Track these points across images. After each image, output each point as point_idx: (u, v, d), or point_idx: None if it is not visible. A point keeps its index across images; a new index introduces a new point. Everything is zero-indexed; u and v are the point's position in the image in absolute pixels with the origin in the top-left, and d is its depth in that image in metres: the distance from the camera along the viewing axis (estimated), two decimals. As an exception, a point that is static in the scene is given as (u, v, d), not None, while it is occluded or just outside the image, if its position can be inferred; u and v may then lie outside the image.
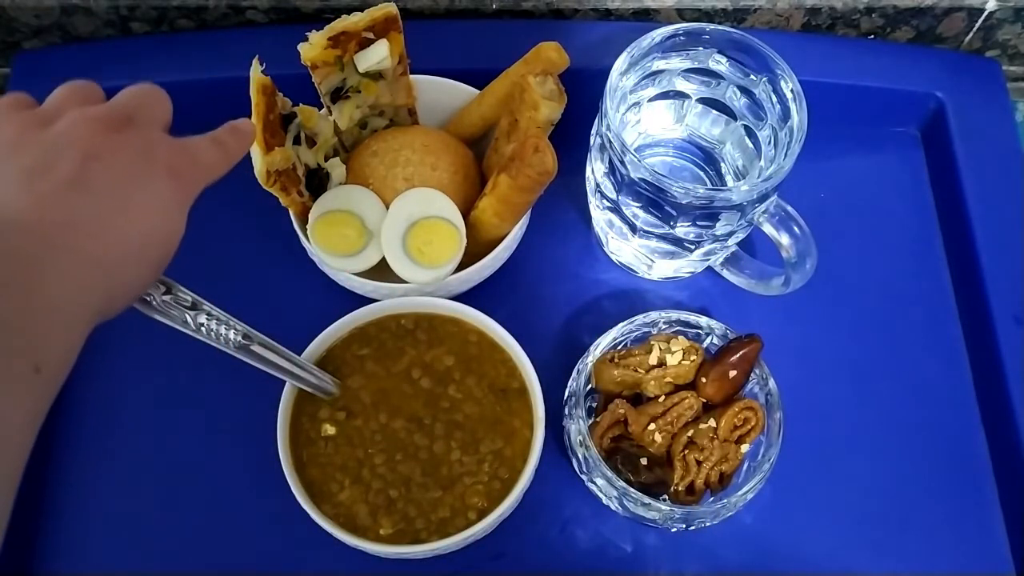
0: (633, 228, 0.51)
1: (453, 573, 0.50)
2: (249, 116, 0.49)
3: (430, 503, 0.47)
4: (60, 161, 0.29)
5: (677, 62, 0.51)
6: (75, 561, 0.50)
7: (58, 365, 0.27)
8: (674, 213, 0.47)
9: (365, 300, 0.51)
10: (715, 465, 0.48)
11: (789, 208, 0.48)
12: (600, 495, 0.50)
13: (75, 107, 0.32)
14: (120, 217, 0.29)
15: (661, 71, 0.51)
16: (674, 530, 0.50)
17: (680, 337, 0.50)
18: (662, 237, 0.50)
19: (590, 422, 0.50)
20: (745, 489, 0.47)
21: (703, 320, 0.51)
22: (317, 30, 0.48)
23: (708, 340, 0.52)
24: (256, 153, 0.47)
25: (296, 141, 0.50)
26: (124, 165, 0.30)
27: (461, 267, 0.51)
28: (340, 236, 0.51)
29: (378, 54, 0.49)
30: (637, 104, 0.52)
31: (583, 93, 0.51)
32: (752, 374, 0.50)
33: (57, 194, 0.28)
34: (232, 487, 0.52)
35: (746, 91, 0.50)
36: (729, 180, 0.54)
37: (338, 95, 0.52)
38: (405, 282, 0.51)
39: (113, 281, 0.29)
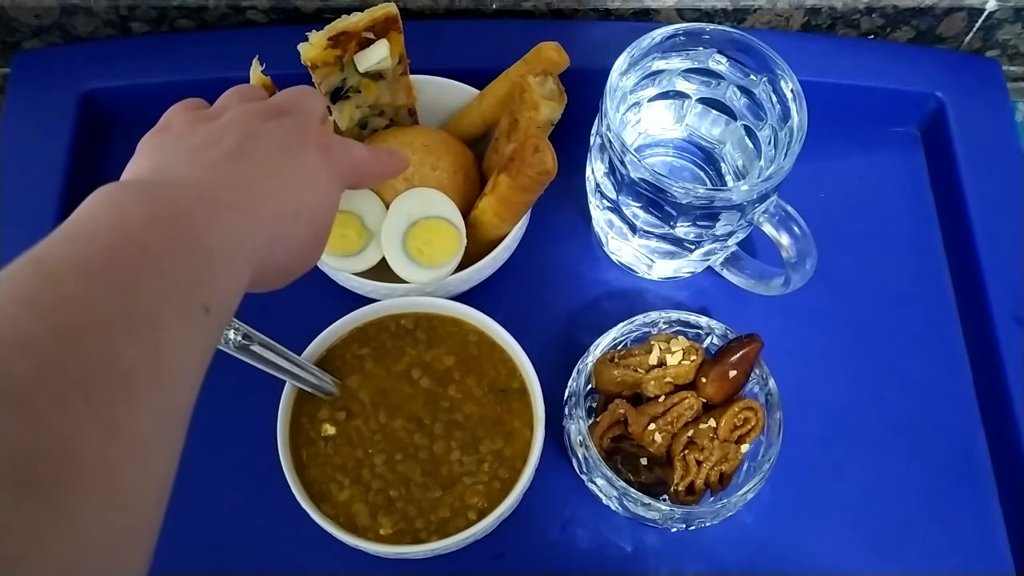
0: (633, 228, 0.51)
1: (453, 573, 0.50)
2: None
3: (430, 503, 0.47)
4: (223, 139, 0.33)
5: (677, 62, 0.51)
6: (75, 561, 0.50)
7: (224, 308, 0.28)
8: (674, 213, 0.47)
9: (365, 300, 0.51)
10: (715, 465, 0.48)
11: (789, 208, 0.48)
12: (600, 495, 0.50)
13: (238, 104, 0.36)
14: (274, 180, 0.32)
15: (661, 71, 0.51)
16: (674, 530, 0.50)
17: (680, 337, 0.50)
18: (662, 237, 0.50)
19: (590, 422, 0.50)
20: (745, 489, 0.47)
21: (703, 320, 0.51)
22: (317, 30, 0.48)
23: (708, 340, 0.52)
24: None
25: (296, 141, 0.50)
26: (278, 140, 0.34)
27: (461, 267, 0.51)
28: (340, 236, 0.51)
29: (378, 54, 0.49)
30: (637, 104, 0.52)
31: (583, 93, 0.51)
32: (752, 374, 0.50)
33: (218, 162, 0.32)
34: (232, 487, 0.52)
35: (746, 91, 0.50)
36: (729, 180, 0.54)
37: (338, 95, 0.52)
38: (405, 282, 0.51)
39: (270, 234, 0.31)
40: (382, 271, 0.51)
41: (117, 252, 0.25)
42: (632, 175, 0.46)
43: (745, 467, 0.50)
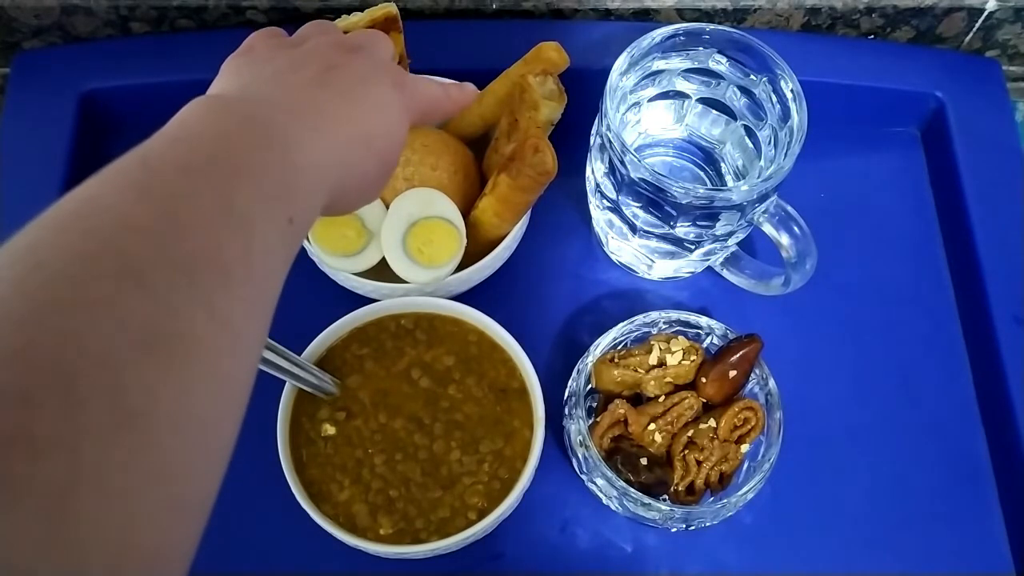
0: (633, 228, 0.51)
1: (453, 573, 0.50)
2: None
3: (430, 503, 0.47)
4: (305, 66, 0.34)
5: (677, 62, 0.51)
6: (75, 561, 0.50)
7: (304, 221, 0.30)
8: (674, 213, 0.47)
9: (365, 300, 0.51)
10: (715, 465, 0.48)
11: (789, 208, 0.48)
12: (600, 495, 0.50)
13: (317, 36, 0.38)
14: (352, 107, 0.34)
15: (661, 71, 0.51)
16: (674, 530, 0.50)
17: (680, 337, 0.50)
18: (662, 237, 0.50)
19: (590, 422, 0.50)
20: (745, 489, 0.47)
21: (703, 320, 0.51)
22: (317, 30, 0.48)
23: (708, 340, 0.52)
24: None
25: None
26: (357, 72, 0.35)
27: (461, 267, 0.51)
28: (340, 236, 0.51)
29: (378, 54, 0.49)
30: (637, 104, 0.52)
31: (583, 93, 0.51)
32: (752, 374, 0.50)
33: (302, 86, 0.33)
34: (232, 487, 0.51)
35: (746, 91, 0.50)
36: (729, 180, 0.54)
37: (338, 95, 0.51)
38: (405, 282, 0.51)
39: (345, 159, 0.33)
40: (382, 271, 0.51)
41: (216, 156, 0.27)
42: (632, 175, 0.46)
43: (745, 467, 0.50)
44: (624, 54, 0.48)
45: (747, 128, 0.52)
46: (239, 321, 0.25)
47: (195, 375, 0.23)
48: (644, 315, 0.51)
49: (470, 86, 0.44)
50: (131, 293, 0.22)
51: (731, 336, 0.50)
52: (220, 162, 0.27)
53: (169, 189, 0.25)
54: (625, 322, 0.51)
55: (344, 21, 0.47)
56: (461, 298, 0.51)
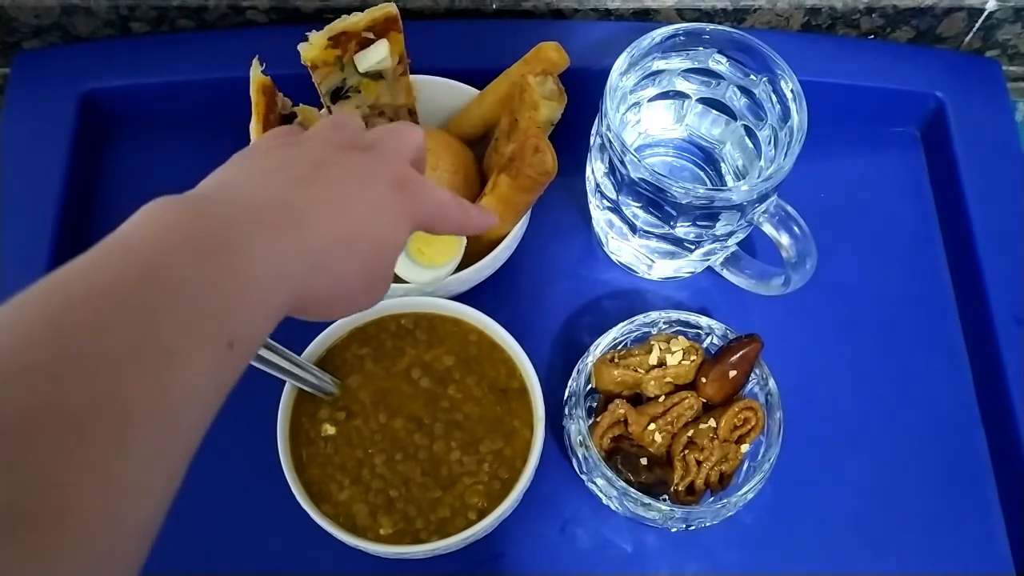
0: (633, 228, 0.51)
1: (453, 573, 0.50)
2: (250, 116, 0.49)
3: (430, 503, 0.47)
4: (293, 164, 0.32)
5: (677, 62, 0.51)
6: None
7: (250, 342, 0.27)
8: (674, 213, 0.47)
9: (365, 300, 0.51)
10: (715, 465, 0.48)
11: (789, 208, 0.48)
12: (600, 495, 0.50)
13: (328, 132, 0.35)
14: (333, 207, 0.31)
15: (661, 71, 0.51)
16: (674, 530, 0.50)
17: (680, 337, 0.50)
18: (662, 237, 0.50)
19: (590, 422, 0.50)
20: (745, 489, 0.47)
21: (703, 320, 0.51)
22: (317, 30, 0.48)
23: (708, 340, 0.52)
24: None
25: (296, 141, 0.50)
26: (351, 170, 0.33)
27: (461, 267, 0.51)
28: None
29: (378, 54, 0.49)
30: (637, 104, 0.52)
31: (583, 93, 0.51)
32: (752, 374, 0.50)
33: (283, 184, 0.31)
34: (232, 487, 0.52)
35: (746, 91, 0.50)
36: (729, 180, 0.54)
37: (338, 95, 0.52)
38: (405, 282, 0.51)
39: (321, 261, 0.30)
40: (382, 271, 0.51)
41: (149, 275, 0.24)
42: (632, 175, 0.46)
43: (745, 467, 0.50)
44: (624, 54, 0.48)
45: (747, 128, 0.52)
46: (137, 477, 0.22)
47: (64, 554, 0.20)
48: (644, 315, 0.51)
49: (492, 214, 0.41)
50: None
51: (731, 336, 0.50)
52: (152, 282, 0.24)
53: (81, 321, 0.22)
54: (625, 322, 0.51)
55: (344, 21, 0.47)
56: (461, 298, 0.51)
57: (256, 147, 0.35)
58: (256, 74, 0.46)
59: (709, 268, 0.58)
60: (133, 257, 0.25)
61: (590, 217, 0.57)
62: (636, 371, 0.49)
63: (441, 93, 0.56)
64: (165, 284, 0.24)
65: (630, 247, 0.54)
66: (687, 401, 0.49)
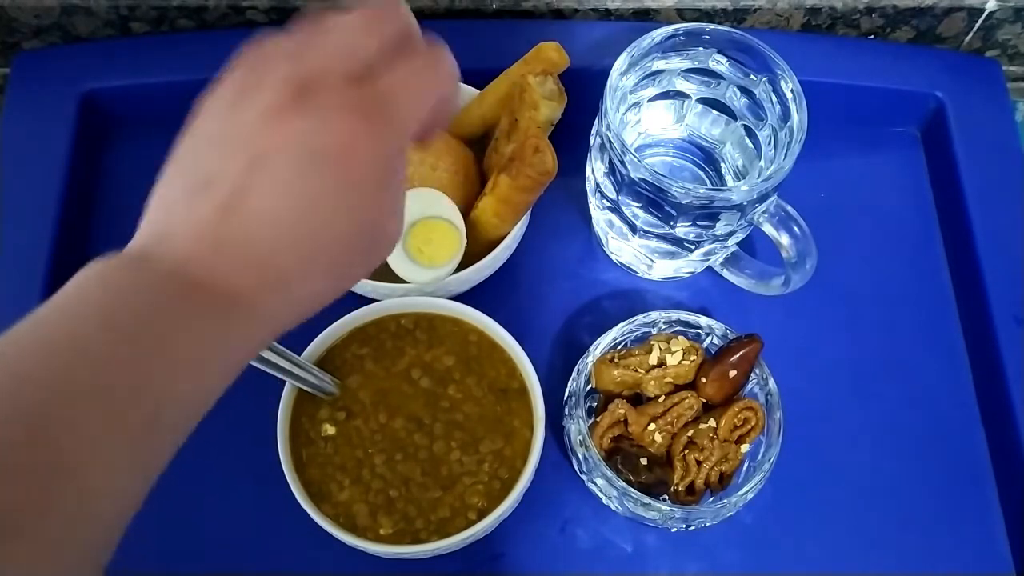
0: (633, 228, 0.51)
1: (453, 573, 0.50)
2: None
3: (430, 503, 0.47)
4: (217, 177, 0.27)
5: (677, 62, 0.51)
6: (75, 561, 0.50)
7: (181, 420, 0.25)
8: (674, 213, 0.47)
9: (365, 300, 0.51)
10: (715, 465, 0.48)
11: (789, 208, 0.48)
12: (600, 495, 0.50)
13: (335, 61, 0.29)
14: (283, 238, 0.26)
15: (661, 71, 0.51)
16: (674, 530, 0.50)
17: (680, 337, 0.50)
18: (662, 237, 0.50)
19: (590, 422, 0.50)
20: (745, 489, 0.47)
21: (703, 320, 0.51)
22: (317, 30, 0.48)
23: (708, 340, 0.52)
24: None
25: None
26: (294, 161, 0.26)
27: (461, 267, 0.51)
28: (340, 236, 0.51)
29: (378, 54, 0.49)
30: (637, 104, 0.52)
31: (583, 93, 0.51)
32: (752, 374, 0.50)
33: (210, 222, 0.26)
34: (232, 487, 0.52)
35: (746, 91, 0.50)
36: (729, 180, 0.54)
37: (338, 95, 0.51)
38: (405, 282, 0.51)
39: (288, 303, 0.27)
40: (382, 271, 0.51)
41: (54, 360, 0.22)
42: (632, 175, 0.46)
43: (745, 467, 0.50)
44: (624, 54, 0.48)
45: (747, 128, 0.52)
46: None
47: None
48: (644, 315, 0.51)
49: (443, 47, 0.33)
50: None
51: (731, 336, 0.50)
52: (57, 368, 0.22)
53: None
54: (625, 322, 0.51)
55: (344, 21, 0.47)
56: (461, 298, 0.51)
57: (199, 112, 0.29)
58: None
59: (709, 268, 0.58)
60: (46, 339, 0.23)
61: (590, 217, 0.57)
62: (636, 371, 0.49)
63: (441, 93, 0.56)
64: (76, 370, 0.22)
65: (630, 247, 0.54)
66: (687, 401, 0.49)
